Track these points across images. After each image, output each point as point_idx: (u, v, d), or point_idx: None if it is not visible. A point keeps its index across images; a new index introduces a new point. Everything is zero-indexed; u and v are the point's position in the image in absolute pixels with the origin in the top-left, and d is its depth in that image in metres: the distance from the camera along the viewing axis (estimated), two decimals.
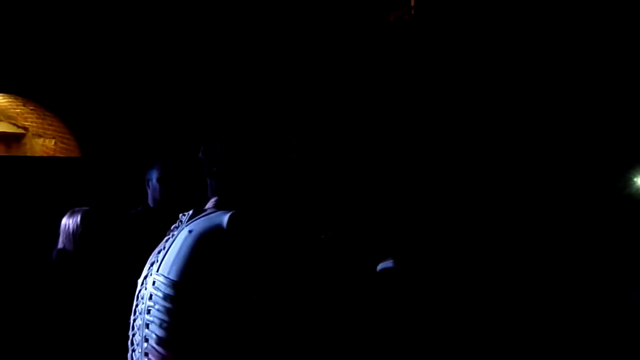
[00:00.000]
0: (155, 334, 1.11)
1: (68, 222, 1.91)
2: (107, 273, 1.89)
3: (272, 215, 1.22)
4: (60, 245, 1.94)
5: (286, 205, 1.28)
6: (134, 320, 1.20)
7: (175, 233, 1.22)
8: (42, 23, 3.55)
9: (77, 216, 1.89)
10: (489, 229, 3.78)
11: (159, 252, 1.23)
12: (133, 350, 1.18)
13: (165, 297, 1.11)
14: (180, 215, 1.27)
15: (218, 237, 1.10)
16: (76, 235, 1.88)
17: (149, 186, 2.31)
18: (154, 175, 2.27)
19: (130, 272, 1.91)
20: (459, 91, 4.05)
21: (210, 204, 1.26)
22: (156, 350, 1.10)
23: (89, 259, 1.89)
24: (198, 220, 1.18)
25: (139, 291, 1.22)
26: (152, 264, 1.22)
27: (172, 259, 1.14)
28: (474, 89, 4.02)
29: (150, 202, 2.33)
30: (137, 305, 1.21)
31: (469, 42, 4.03)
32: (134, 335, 1.19)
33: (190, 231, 1.16)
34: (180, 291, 1.09)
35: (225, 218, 1.12)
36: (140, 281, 1.25)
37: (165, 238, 1.26)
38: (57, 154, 4.04)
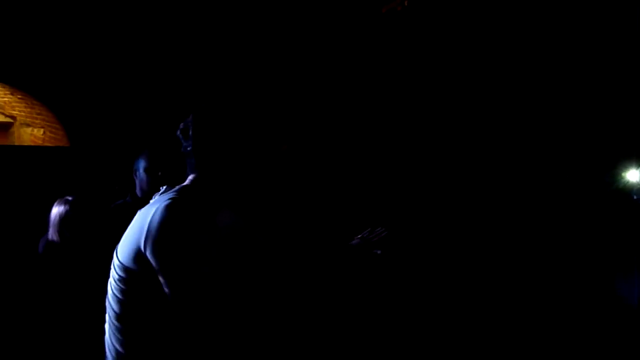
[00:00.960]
0: (113, 310, 1.15)
1: (56, 212, 1.90)
2: (94, 262, 1.88)
3: (231, 203, 1.21)
4: (49, 235, 1.93)
5: (255, 197, 1.26)
6: (106, 293, 1.23)
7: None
8: (31, 13, 3.51)
9: (65, 205, 1.88)
10: (480, 224, 3.79)
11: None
12: (105, 322, 1.22)
13: (115, 278, 1.15)
14: (155, 194, 1.27)
15: (144, 227, 1.09)
16: (63, 224, 1.86)
17: (136, 176, 2.30)
18: (141, 165, 2.26)
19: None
20: (453, 84, 4.05)
21: (185, 182, 1.24)
22: (114, 324, 1.14)
23: (76, 248, 1.88)
24: (152, 203, 1.18)
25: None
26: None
27: (123, 243, 1.16)
28: (468, 82, 4.02)
29: (138, 192, 2.31)
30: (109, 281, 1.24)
31: (462, 34, 4.02)
32: (105, 307, 1.23)
33: (137, 213, 1.17)
34: (125, 274, 1.12)
35: (156, 207, 1.10)
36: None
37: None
38: (46, 143, 4.01)
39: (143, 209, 1.16)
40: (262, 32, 3.97)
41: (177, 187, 1.22)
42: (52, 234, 1.93)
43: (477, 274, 3.68)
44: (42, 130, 4.03)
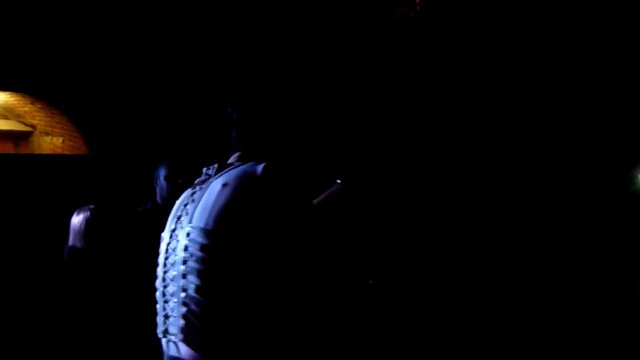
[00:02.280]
0: (194, 284, 1.13)
1: (76, 221, 1.93)
2: (117, 270, 1.92)
3: (295, 168, 1.28)
4: (70, 243, 1.96)
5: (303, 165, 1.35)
6: (165, 273, 1.23)
7: (204, 187, 1.25)
8: (51, 23, 3.58)
9: (85, 214, 1.91)
10: (493, 225, 3.79)
11: (186, 206, 1.26)
12: (166, 302, 1.20)
13: (202, 248, 1.14)
14: (205, 169, 1.32)
15: (254, 185, 1.15)
16: (83, 233, 1.90)
17: (157, 184, 2.33)
18: (161, 173, 2.29)
19: (139, 269, 1.94)
20: (464, 88, 4.05)
21: (233, 158, 1.32)
22: (196, 299, 1.12)
23: (97, 256, 1.92)
24: (229, 173, 1.23)
25: (168, 244, 1.25)
26: (179, 218, 1.26)
27: (207, 210, 1.17)
28: (479, 86, 4.02)
29: (158, 199, 2.35)
30: (167, 258, 1.24)
31: (473, 39, 4.02)
32: (166, 287, 1.21)
33: (224, 185, 1.19)
34: (217, 241, 1.13)
35: (259, 168, 1.18)
36: (167, 235, 1.28)
37: (191, 192, 1.29)
38: (65, 152, 4.08)
39: (235, 174, 1.22)
40: (278, 39, 4.01)
41: (237, 158, 1.32)
42: (74, 241, 1.97)
43: (490, 275, 3.68)
44: (61, 139, 4.10)
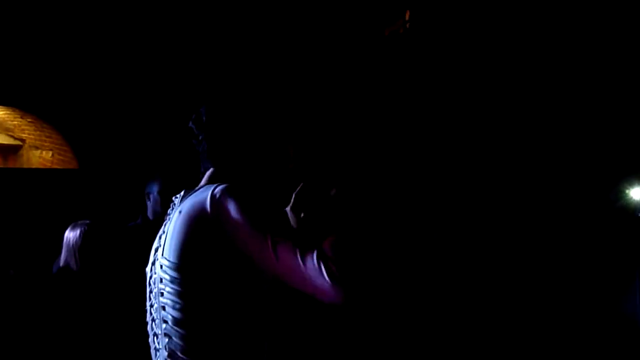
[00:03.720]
0: (172, 316, 1.13)
1: (71, 235, 1.92)
2: (108, 285, 1.91)
3: (257, 189, 1.22)
4: (63, 258, 1.95)
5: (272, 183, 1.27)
6: (151, 306, 1.22)
7: (171, 215, 1.23)
8: (41, 36, 3.58)
9: (80, 229, 1.90)
10: (484, 237, 3.81)
11: (160, 237, 1.24)
12: (155, 335, 1.20)
13: (172, 280, 1.13)
14: (174, 197, 1.28)
15: (202, 214, 1.10)
16: (78, 248, 1.89)
17: (149, 199, 2.34)
18: (154, 188, 2.30)
19: (131, 284, 1.93)
20: (454, 104, 4.11)
21: (202, 182, 1.26)
22: (176, 330, 1.12)
23: (90, 272, 1.91)
24: (187, 199, 1.18)
25: (150, 277, 1.24)
26: (156, 249, 1.24)
27: (170, 241, 1.16)
28: (469, 103, 4.08)
29: (150, 214, 2.35)
30: (150, 291, 1.23)
31: (461, 56, 4.09)
32: (153, 320, 1.21)
33: (180, 212, 1.16)
34: (183, 273, 1.12)
35: (207, 194, 1.11)
36: (149, 267, 1.27)
37: (164, 222, 1.27)
38: (54, 166, 4.05)
39: (187, 204, 1.15)
40: (269, 52, 4.04)
41: (204, 182, 1.24)
42: (66, 258, 1.96)
43: (483, 286, 3.69)
44: (50, 153, 4.08)
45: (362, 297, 1.03)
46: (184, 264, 1.12)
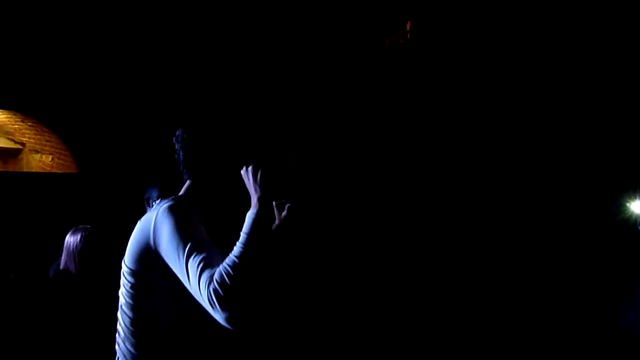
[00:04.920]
0: (127, 316, 1.25)
1: (72, 240, 1.92)
2: (107, 289, 1.90)
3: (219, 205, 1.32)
4: (63, 262, 1.95)
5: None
6: (119, 305, 1.32)
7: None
8: (42, 41, 3.59)
9: (81, 234, 1.90)
10: (486, 248, 3.81)
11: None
12: (117, 331, 1.30)
13: (126, 286, 1.25)
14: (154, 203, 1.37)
15: (148, 227, 1.21)
16: (79, 252, 1.89)
17: (149, 204, 2.33)
18: (154, 194, 2.30)
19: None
20: (454, 113, 4.12)
21: (180, 192, 1.36)
22: (127, 328, 1.25)
23: (89, 275, 1.90)
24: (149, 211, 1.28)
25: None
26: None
27: (130, 250, 1.26)
28: (468, 112, 4.09)
29: None
30: (120, 290, 1.32)
31: (462, 66, 4.11)
32: (117, 319, 1.32)
33: (139, 221, 1.28)
34: (135, 278, 1.23)
35: (158, 208, 1.22)
36: None
37: None
38: (54, 170, 4.05)
39: (144, 217, 1.27)
40: (271, 61, 4.06)
41: (173, 197, 1.33)
42: (67, 262, 1.95)
43: (483, 291, 3.69)
44: (50, 157, 4.08)
45: (251, 322, 1.08)
46: (135, 270, 1.23)
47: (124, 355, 1.25)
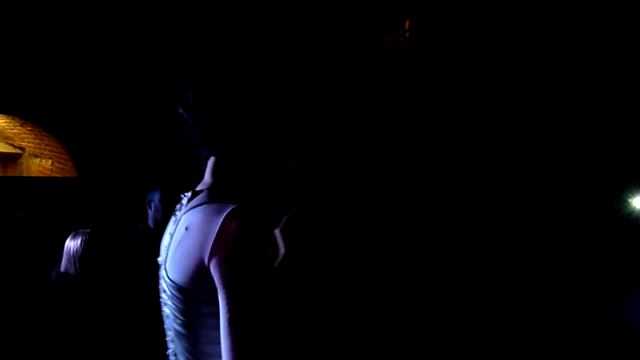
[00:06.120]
0: (175, 329, 1.09)
1: (72, 244, 1.90)
2: (110, 294, 1.89)
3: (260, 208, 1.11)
4: (62, 267, 1.94)
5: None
6: (163, 311, 1.16)
7: (177, 220, 1.11)
8: (42, 46, 3.59)
9: (82, 238, 1.89)
10: (483, 246, 3.81)
11: (165, 248, 1.14)
12: (171, 350, 1.15)
13: (171, 297, 1.07)
14: (182, 195, 1.15)
15: (211, 239, 0.99)
16: (79, 257, 1.87)
17: (150, 207, 2.32)
18: (156, 197, 2.29)
19: (132, 292, 1.91)
20: (452, 112, 4.12)
21: (206, 176, 1.13)
22: (180, 341, 1.09)
23: (91, 281, 1.89)
24: (193, 212, 1.06)
25: (159, 282, 1.15)
26: (165, 256, 1.14)
27: (173, 261, 1.07)
28: (467, 111, 4.09)
29: (151, 222, 2.34)
30: (161, 298, 1.16)
31: (461, 65, 4.11)
32: (165, 326, 1.16)
33: (187, 228, 1.05)
34: (181, 294, 1.04)
35: (219, 220, 0.99)
36: (160, 270, 1.18)
37: (171, 224, 1.16)
38: (54, 174, 4.04)
39: (194, 222, 1.04)
40: (268, 57, 4.06)
41: (207, 187, 1.11)
42: (67, 266, 1.94)
43: (481, 288, 3.68)
44: (50, 161, 4.07)
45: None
46: (182, 286, 1.04)
47: None
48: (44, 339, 1.93)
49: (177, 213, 1.15)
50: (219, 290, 0.98)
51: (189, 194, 1.12)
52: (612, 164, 3.65)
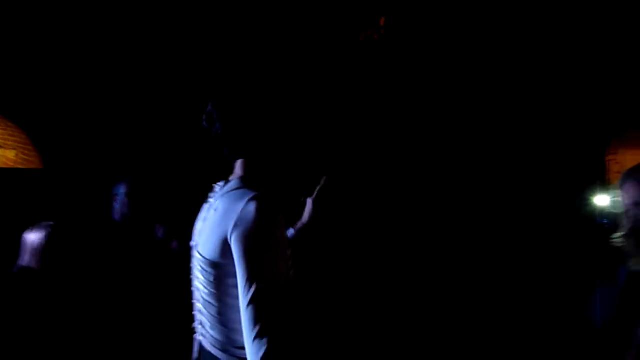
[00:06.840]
0: (211, 304, 1.24)
1: (33, 237, 1.85)
2: (74, 288, 1.85)
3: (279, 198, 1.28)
4: (23, 261, 1.88)
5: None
6: (194, 287, 1.32)
7: (208, 208, 1.31)
8: (4, 36, 3.48)
9: (43, 231, 1.83)
10: (459, 241, 3.86)
11: (198, 231, 1.33)
12: (200, 323, 1.30)
13: (203, 273, 1.24)
14: (215, 184, 1.36)
15: (230, 222, 1.18)
16: (41, 251, 1.82)
17: (116, 200, 2.28)
18: (122, 190, 2.25)
19: (99, 284, 1.88)
20: (429, 108, 4.16)
21: (236, 170, 1.34)
22: (215, 317, 1.24)
23: (53, 276, 1.84)
24: (223, 198, 1.26)
25: (192, 257, 1.32)
26: (199, 233, 1.32)
27: (205, 238, 1.25)
28: (443, 108, 4.13)
29: (116, 215, 2.30)
30: (193, 273, 1.32)
31: (437, 62, 4.15)
32: (195, 297, 1.32)
33: (215, 210, 1.25)
34: (213, 268, 1.21)
35: (242, 203, 1.18)
36: (193, 248, 1.34)
37: (206, 206, 1.35)
38: (18, 165, 3.92)
39: (224, 204, 1.23)
40: (245, 57, 4.02)
41: (237, 177, 1.31)
42: (28, 259, 1.89)
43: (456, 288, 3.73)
44: (14, 152, 3.95)
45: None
46: (213, 260, 1.21)
47: (212, 345, 1.24)
48: (6, 334, 1.88)
49: (209, 200, 1.34)
50: (236, 264, 1.15)
51: (221, 183, 1.34)
52: (574, 163, 3.74)
